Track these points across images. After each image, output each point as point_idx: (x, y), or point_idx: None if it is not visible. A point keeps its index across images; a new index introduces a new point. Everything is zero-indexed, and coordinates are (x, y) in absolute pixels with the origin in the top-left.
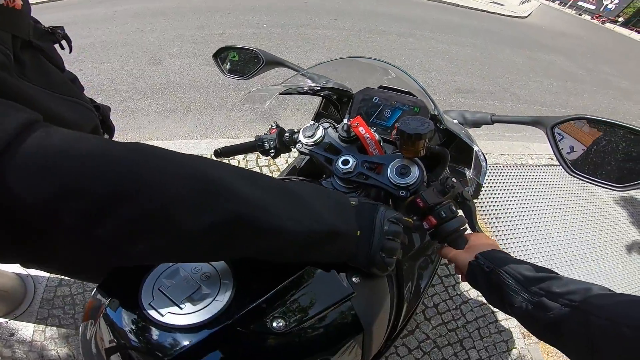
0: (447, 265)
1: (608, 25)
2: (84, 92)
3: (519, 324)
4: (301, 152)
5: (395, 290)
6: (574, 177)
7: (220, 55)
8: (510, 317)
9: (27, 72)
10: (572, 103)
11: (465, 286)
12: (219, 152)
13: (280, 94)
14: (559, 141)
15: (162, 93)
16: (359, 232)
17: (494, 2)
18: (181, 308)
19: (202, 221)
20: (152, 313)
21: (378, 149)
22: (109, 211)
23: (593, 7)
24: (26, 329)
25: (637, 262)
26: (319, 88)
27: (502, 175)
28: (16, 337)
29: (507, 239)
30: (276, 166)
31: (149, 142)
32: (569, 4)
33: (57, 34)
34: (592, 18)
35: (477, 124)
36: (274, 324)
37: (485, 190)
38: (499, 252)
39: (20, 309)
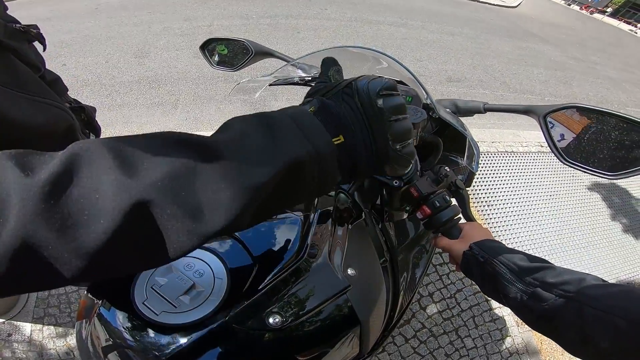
0: (441, 254)
1: (597, 15)
2: (68, 92)
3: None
4: None
5: (391, 281)
6: (567, 165)
7: (207, 46)
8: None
9: None
10: (562, 92)
11: (459, 275)
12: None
13: (270, 85)
14: (552, 129)
15: (149, 86)
16: (340, 138)
17: None
18: (176, 307)
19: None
20: (147, 312)
21: None
22: None
23: None
24: (23, 329)
25: (627, 248)
26: (309, 78)
27: (493, 163)
28: (14, 337)
29: (498, 226)
30: None
31: None
32: None
33: (29, 33)
34: (580, 8)
35: (469, 113)
36: (270, 320)
37: (477, 178)
38: (493, 241)
39: (16, 309)
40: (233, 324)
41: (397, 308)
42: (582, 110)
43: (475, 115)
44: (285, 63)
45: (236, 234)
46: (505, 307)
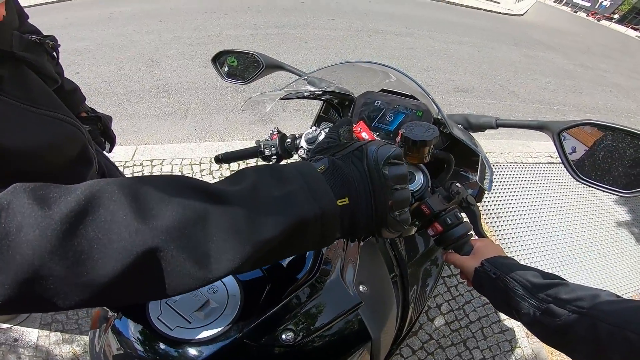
0: (449, 266)
1: (604, 22)
2: (85, 102)
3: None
4: (303, 159)
5: (401, 295)
6: (581, 182)
7: (219, 59)
8: None
9: (5, 85)
10: (571, 100)
11: (467, 287)
12: (219, 158)
13: (280, 99)
14: (566, 146)
15: (159, 96)
16: (346, 200)
17: (490, 0)
18: (190, 322)
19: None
20: (161, 327)
21: None
22: None
23: (588, 4)
24: (30, 335)
25: (639, 259)
26: (320, 92)
27: (502, 174)
28: (21, 342)
29: (508, 238)
30: None
31: (149, 146)
32: (564, 2)
33: (45, 44)
34: (587, 15)
35: (481, 128)
36: (283, 336)
37: None
38: (505, 258)
39: (23, 314)
40: (246, 339)
41: (407, 321)
42: (597, 127)
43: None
44: (297, 78)
45: None
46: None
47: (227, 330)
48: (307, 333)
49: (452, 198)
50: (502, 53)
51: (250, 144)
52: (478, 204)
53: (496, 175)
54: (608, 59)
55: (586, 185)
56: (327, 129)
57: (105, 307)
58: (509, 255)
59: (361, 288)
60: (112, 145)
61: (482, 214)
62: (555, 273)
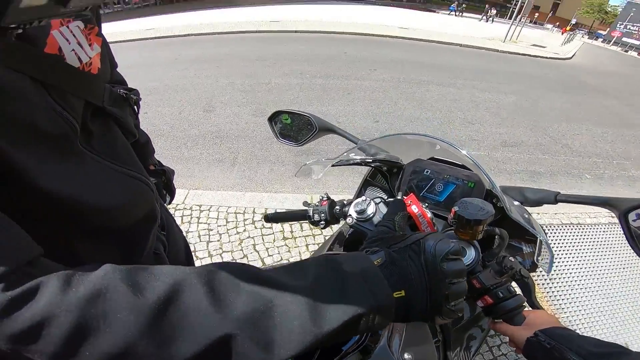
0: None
1: None
2: (154, 154)
3: None
4: (351, 227)
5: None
6: None
7: (274, 119)
8: None
9: (93, 142)
10: (632, 152)
11: (510, 347)
12: (269, 218)
13: (332, 165)
14: (633, 226)
15: (212, 142)
16: (402, 292)
17: (534, 45)
18: None
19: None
20: None
21: (430, 227)
22: None
23: (638, 43)
24: None
25: None
26: (370, 160)
27: (557, 236)
28: None
29: (563, 300)
30: (320, 231)
31: (199, 191)
32: (612, 41)
33: (130, 99)
34: (638, 54)
35: (538, 204)
36: None
37: None
38: (562, 329)
39: None
40: None
41: None
42: None
43: (536, 183)
44: (353, 146)
45: None
46: None
47: None
48: None
49: (505, 272)
50: (551, 101)
51: (293, 196)
52: (532, 274)
53: (551, 237)
54: None
55: None
56: (377, 200)
57: None
58: (564, 317)
59: (406, 356)
60: (172, 198)
61: (535, 276)
62: (616, 336)
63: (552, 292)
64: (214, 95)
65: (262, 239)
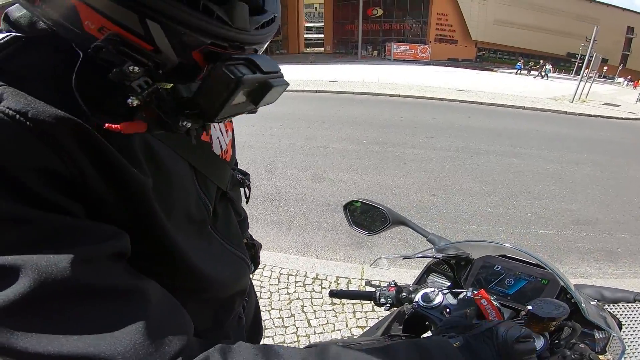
0: None
1: None
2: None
3: None
4: (416, 310)
5: None
6: None
7: (350, 206)
8: None
9: (218, 224)
10: None
11: None
12: (334, 293)
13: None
14: None
15: (272, 203)
16: None
17: (607, 104)
18: None
19: None
20: None
21: (498, 317)
22: None
23: None
24: None
25: None
26: (441, 256)
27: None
28: None
29: None
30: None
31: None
32: None
33: (245, 184)
34: None
35: (615, 302)
36: None
37: None
38: None
39: None
40: None
41: None
42: None
43: (612, 259)
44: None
45: None
46: None
47: None
48: None
49: (574, 359)
50: (632, 171)
51: (344, 264)
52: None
53: (626, 314)
54: None
55: None
56: (444, 290)
57: None
58: None
59: None
60: (256, 269)
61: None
62: None
63: None
64: (276, 155)
65: (311, 301)
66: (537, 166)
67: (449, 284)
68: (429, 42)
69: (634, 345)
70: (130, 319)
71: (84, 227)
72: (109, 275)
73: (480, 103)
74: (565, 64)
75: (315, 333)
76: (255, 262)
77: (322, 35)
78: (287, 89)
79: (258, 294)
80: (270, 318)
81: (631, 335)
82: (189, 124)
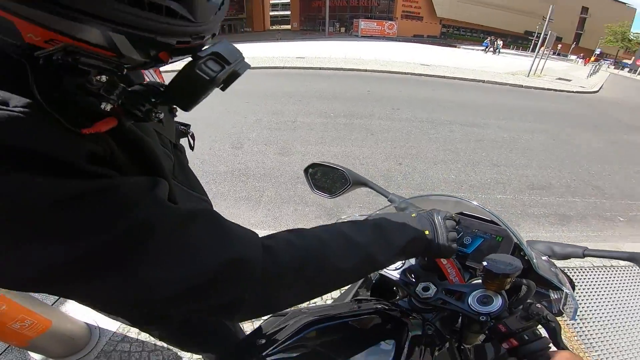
0: None
1: None
2: None
3: None
4: (381, 275)
5: None
6: None
7: (310, 170)
8: None
9: (177, 174)
10: None
11: None
12: None
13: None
14: None
15: (240, 179)
16: (427, 232)
17: (559, 79)
18: None
19: (347, 263)
20: None
21: (459, 277)
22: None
23: None
24: None
25: None
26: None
27: (589, 279)
28: None
29: (594, 340)
30: None
31: None
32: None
33: (187, 133)
34: None
35: (566, 258)
36: None
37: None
38: None
39: (77, 355)
40: None
41: None
42: None
43: (568, 224)
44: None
45: (337, 357)
46: None
47: None
48: None
49: (531, 318)
50: (580, 139)
51: None
52: (559, 317)
53: (582, 280)
54: None
55: None
56: None
57: None
58: (594, 354)
59: None
60: None
61: (564, 317)
62: None
63: (582, 332)
64: (242, 132)
65: None
66: (496, 135)
67: None
68: (395, 19)
69: (586, 312)
70: (226, 225)
71: (142, 181)
72: (188, 201)
73: (444, 77)
74: (523, 41)
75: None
76: None
77: (288, 13)
78: (252, 66)
79: None
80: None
81: (584, 300)
82: (162, 115)
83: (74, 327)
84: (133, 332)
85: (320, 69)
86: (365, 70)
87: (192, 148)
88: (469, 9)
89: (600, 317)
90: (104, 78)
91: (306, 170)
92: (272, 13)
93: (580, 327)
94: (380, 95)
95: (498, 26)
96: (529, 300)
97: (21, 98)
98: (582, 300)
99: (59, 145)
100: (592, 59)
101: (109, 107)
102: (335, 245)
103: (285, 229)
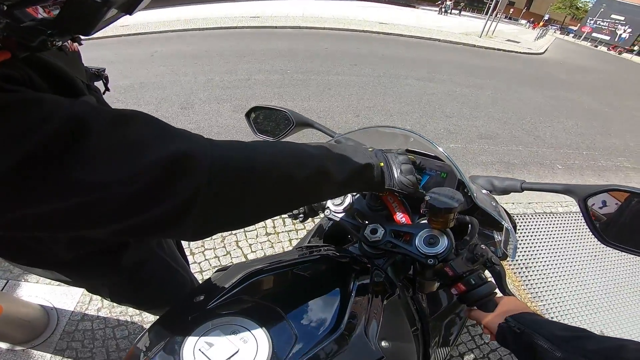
0: None
1: (625, 55)
2: None
3: None
4: (329, 219)
5: (422, 348)
6: (607, 246)
7: (252, 114)
8: None
9: None
10: (600, 144)
11: (485, 334)
12: None
13: None
14: (592, 211)
15: None
16: (381, 164)
17: (509, 41)
18: None
19: (300, 172)
20: None
21: (405, 217)
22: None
23: (608, 38)
24: (42, 358)
25: None
26: None
27: (531, 225)
28: None
29: (537, 288)
30: (303, 225)
31: None
32: (583, 37)
33: (101, 75)
34: (608, 49)
35: (505, 192)
36: None
37: None
38: (530, 314)
39: (40, 338)
40: None
41: None
42: (623, 192)
43: (511, 173)
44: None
45: (280, 307)
46: None
47: None
48: None
49: (477, 260)
50: (525, 95)
51: None
52: (503, 261)
53: (525, 226)
54: (635, 95)
55: (612, 248)
56: (354, 193)
57: (140, 347)
58: (540, 304)
59: (383, 344)
60: None
61: (510, 265)
62: (589, 321)
63: (528, 280)
64: (192, 92)
65: (245, 234)
66: (449, 89)
67: None
68: None
69: (529, 260)
70: (166, 124)
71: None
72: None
73: (401, 35)
74: (479, 4)
75: None
76: None
77: None
78: (201, 26)
79: None
80: (206, 259)
81: (528, 247)
82: (60, 42)
83: (28, 310)
84: (92, 309)
85: (275, 27)
86: (324, 29)
87: (107, 89)
88: None
89: (545, 266)
90: None
91: (248, 114)
92: None
93: (526, 275)
94: (339, 52)
95: None
96: (474, 242)
97: None
98: (526, 247)
99: None
100: (541, 24)
101: None
102: (289, 153)
103: None
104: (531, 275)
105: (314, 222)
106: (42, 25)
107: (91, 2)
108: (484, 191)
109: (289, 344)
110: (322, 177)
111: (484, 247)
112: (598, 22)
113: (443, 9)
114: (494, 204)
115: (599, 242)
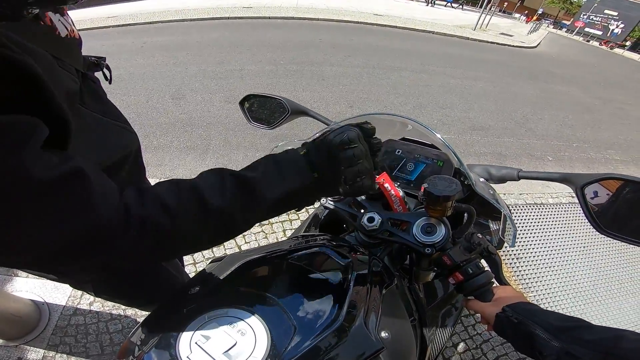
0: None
1: (617, 50)
2: None
3: None
4: (325, 207)
5: (419, 338)
6: (604, 235)
7: (246, 102)
8: None
9: (86, 99)
10: (590, 136)
11: (482, 324)
12: None
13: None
14: (588, 200)
15: (183, 129)
16: (316, 174)
17: (502, 34)
18: None
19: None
20: None
21: (402, 206)
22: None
23: (600, 33)
24: (35, 354)
25: None
26: None
27: (522, 216)
28: None
29: (529, 279)
30: (297, 215)
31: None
32: (575, 31)
33: (101, 65)
34: (600, 44)
35: (502, 180)
36: None
37: None
38: (527, 303)
39: (33, 334)
40: None
41: None
42: (620, 181)
43: (502, 160)
44: (323, 128)
45: (278, 297)
46: None
47: None
48: None
49: (474, 249)
50: (517, 88)
51: None
52: (499, 251)
53: (516, 216)
54: (626, 90)
55: (609, 237)
56: None
57: (135, 341)
58: (531, 295)
59: (383, 334)
60: None
61: (502, 256)
62: (580, 312)
63: (520, 271)
64: (184, 82)
65: None
66: (442, 81)
67: None
68: None
69: (521, 251)
70: (89, 191)
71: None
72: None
73: (396, 27)
74: None
75: None
76: None
77: None
78: (192, 17)
79: None
80: (200, 252)
81: (520, 238)
82: (37, 10)
83: (19, 305)
84: (84, 304)
85: (269, 18)
86: (318, 20)
87: (108, 79)
88: None
89: (536, 257)
90: None
91: (242, 103)
92: None
93: (518, 267)
94: (333, 43)
95: None
96: (471, 231)
97: None
98: (518, 238)
99: None
100: (534, 18)
101: None
102: (209, 183)
103: None
104: (522, 266)
105: (308, 213)
106: None
107: None
108: (482, 179)
109: (287, 336)
110: (248, 197)
111: (480, 236)
112: (591, 17)
113: (430, 0)
114: (492, 192)
115: (588, 233)
